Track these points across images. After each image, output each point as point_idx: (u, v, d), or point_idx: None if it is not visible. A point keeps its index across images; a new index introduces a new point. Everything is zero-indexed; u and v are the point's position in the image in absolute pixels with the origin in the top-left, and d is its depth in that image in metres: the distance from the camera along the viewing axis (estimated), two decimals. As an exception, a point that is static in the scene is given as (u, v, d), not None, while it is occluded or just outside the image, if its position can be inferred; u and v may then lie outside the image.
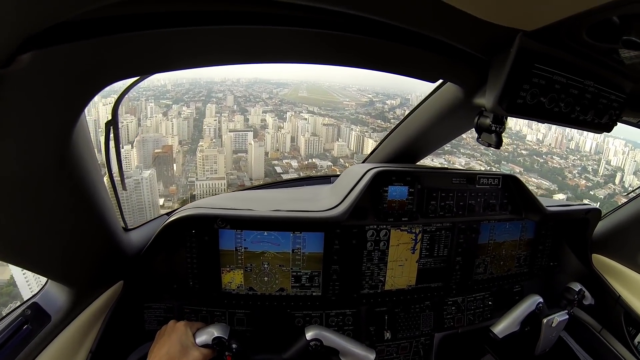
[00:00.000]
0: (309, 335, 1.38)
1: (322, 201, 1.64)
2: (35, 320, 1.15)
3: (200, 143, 25.99)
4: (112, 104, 1.08)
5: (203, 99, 31.73)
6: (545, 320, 1.76)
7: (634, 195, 2.02)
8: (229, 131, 28.39)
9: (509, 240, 2.00)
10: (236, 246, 1.62)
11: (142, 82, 1.03)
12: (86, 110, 0.78)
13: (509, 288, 2.05)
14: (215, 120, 29.01)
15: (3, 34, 0.50)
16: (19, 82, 0.59)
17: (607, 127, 1.12)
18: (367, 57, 0.97)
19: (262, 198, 1.84)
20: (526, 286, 2.10)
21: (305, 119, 31.32)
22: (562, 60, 0.91)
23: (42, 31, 0.54)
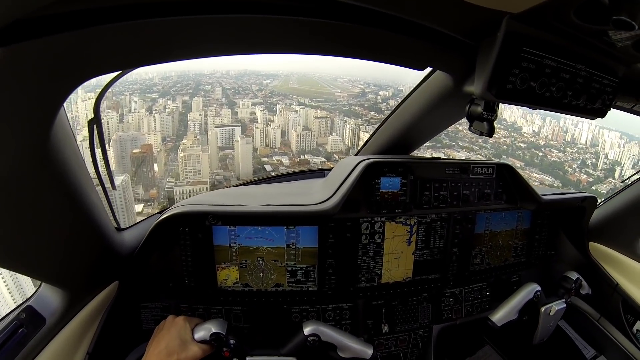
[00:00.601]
0: (306, 330, 1.38)
1: (315, 195, 1.62)
2: (30, 324, 1.13)
3: (183, 141, 24.74)
4: (94, 101, 1.04)
5: (191, 91, 30.74)
6: (543, 309, 1.77)
7: (630, 182, 2.02)
8: (216, 126, 27.02)
9: (505, 230, 2.00)
10: (230, 242, 1.61)
11: (129, 75, 1.00)
12: (65, 106, 0.76)
13: (506, 278, 2.05)
14: (201, 115, 27.62)
15: None
16: None
17: (601, 113, 1.11)
18: (353, 45, 0.95)
19: (254, 193, 1.82)
20: (524, 276, 2.10)
21: (297, 112, 30.20)
22: (551, 44, 0.89)
23: (10, 27, 0.51)
